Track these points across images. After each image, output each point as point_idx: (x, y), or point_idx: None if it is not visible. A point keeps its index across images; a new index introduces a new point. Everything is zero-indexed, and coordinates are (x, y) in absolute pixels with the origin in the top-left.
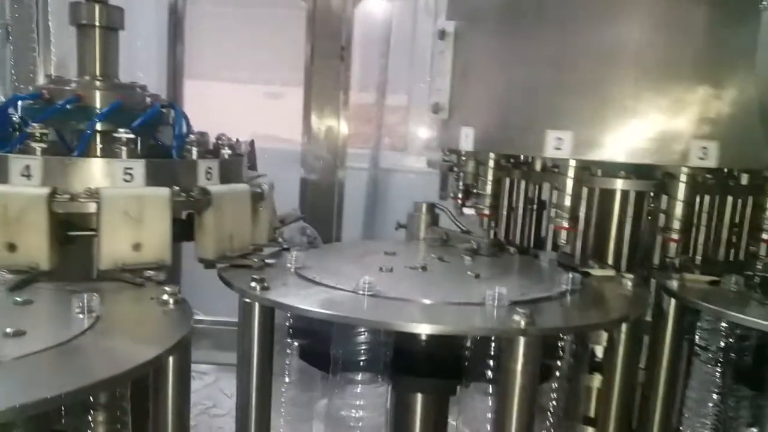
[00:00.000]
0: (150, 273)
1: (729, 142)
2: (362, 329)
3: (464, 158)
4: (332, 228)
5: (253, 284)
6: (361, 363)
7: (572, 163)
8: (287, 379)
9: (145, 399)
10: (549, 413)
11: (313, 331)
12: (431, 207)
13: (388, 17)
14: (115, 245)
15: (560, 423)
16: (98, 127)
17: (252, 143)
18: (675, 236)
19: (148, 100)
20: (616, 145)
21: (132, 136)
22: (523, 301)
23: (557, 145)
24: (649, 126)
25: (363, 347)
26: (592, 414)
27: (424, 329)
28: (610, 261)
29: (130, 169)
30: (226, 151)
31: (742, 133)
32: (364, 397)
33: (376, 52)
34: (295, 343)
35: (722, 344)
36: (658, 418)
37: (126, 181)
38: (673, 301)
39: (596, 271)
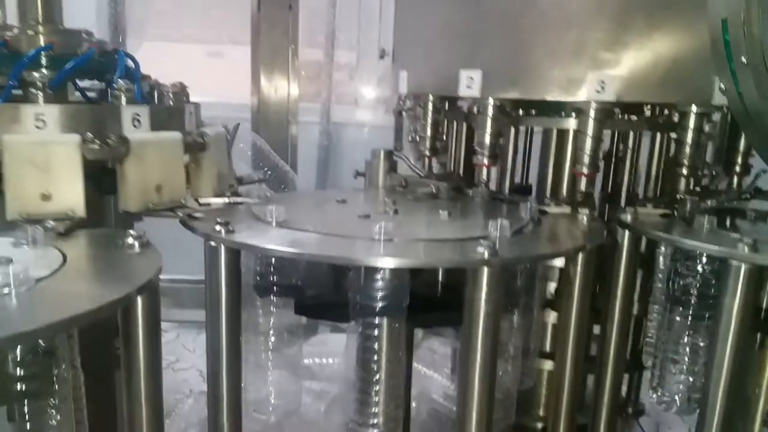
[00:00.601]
0: (53, 224)
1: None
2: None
3: (410, 102)
4: (287, 183)
5: (217, 227)
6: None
7: (490, 101)
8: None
9: (113, 352)
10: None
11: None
12: (389, 154)
13: None
14: (21, 195)
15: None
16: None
17: (236, 127)
18: (585, 171)
19: (86, 45)
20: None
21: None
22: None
23: (468, 83)
24: (556, 63)
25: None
26: (548, 349)
27: (388, 263)
28: (563, 198)
29: (42, 115)
30: (168, 97)
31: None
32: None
33: (324, 2)
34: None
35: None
36: (614, 348)
37: (38, 128)
38: (627, 233)
39: (552, 209)
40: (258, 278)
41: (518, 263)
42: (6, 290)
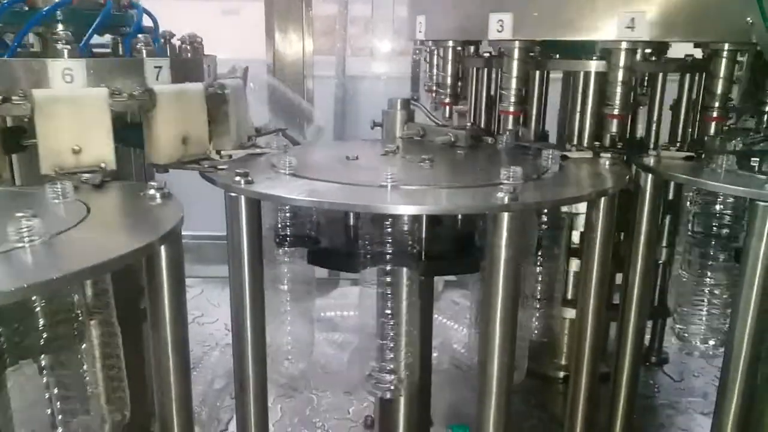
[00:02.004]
0: (87, 176)
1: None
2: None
3: (426, 50)
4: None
5: (237, 178)
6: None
7: (517, 44)
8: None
9: (139, 308)
10: (532, 297)
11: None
12: (406, 103)
13: None
14: (53, 150)
15: (541, 305)
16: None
17: (245, 70)
18: (615, 112)
19: None
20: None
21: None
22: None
23: (499, 27)
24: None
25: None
26: (570, 296)
27: (407, 210)
28: (585, 143)
29: (70, 69)
30: (186, 50)
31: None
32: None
33: None
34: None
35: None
36: (636, 295)
37: (67, 82)
38: (650, 177)
39: (573, 154)
40: (274, 230)
41: (539, 208)
42: (25, 242)
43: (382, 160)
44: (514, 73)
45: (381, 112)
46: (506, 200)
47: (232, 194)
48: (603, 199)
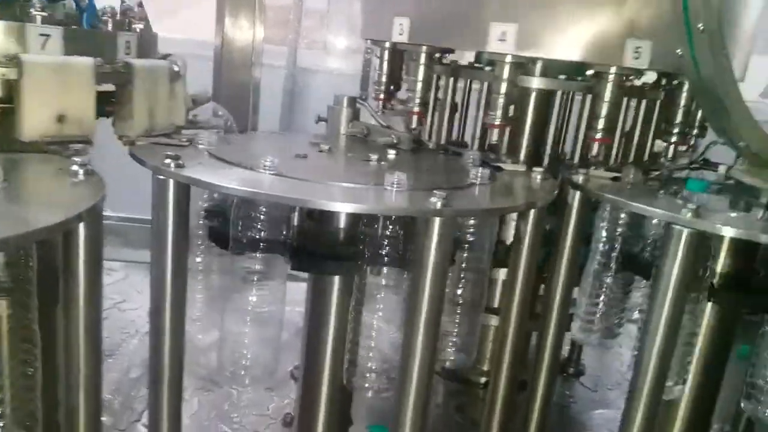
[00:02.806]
0: (77, 147)
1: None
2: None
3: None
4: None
5: (167, 161)
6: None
7: (509, 59)
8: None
9: (54, 285)
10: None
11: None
12: (352, 100)
13: None
14: (37, 116)
15: (465, 311)
16: None
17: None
18: (599, 136)
19: None
20: (558, 42)
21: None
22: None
23: (501, 38)
24: (591, 25)
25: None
26: (495, 305)
27: (343, 207)
28: (522, 158)
29: (47, 35)
30: (138, 26)
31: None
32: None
33: None
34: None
35: (617, 233)
36: (557, 307)
37: (42, 48)
38: (578, 194)
39: (508, 166)
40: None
41: (469, 215)
42: None
43: (318, 156)
44: (420, 76)
45: (327, 107)
46: (438, 205)
47: (161, 177)
48: (532, 210)
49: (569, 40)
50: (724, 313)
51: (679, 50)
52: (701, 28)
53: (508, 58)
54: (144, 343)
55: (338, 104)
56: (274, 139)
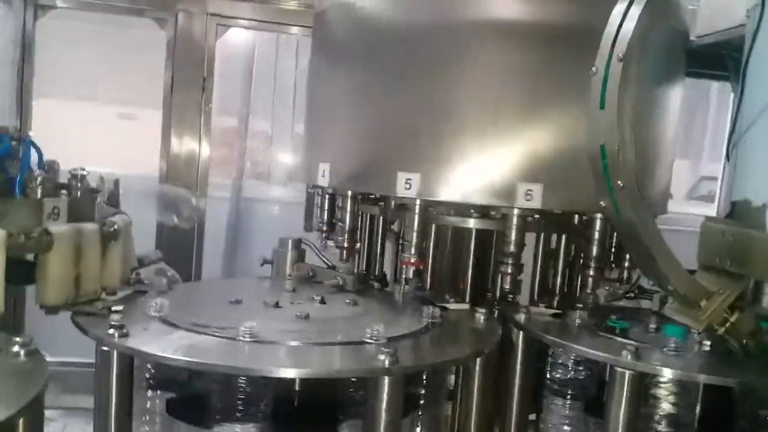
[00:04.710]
0: None
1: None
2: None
3: (325, 192)
4: (191, 263)
5: (111, 331)
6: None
7: (417, 201)
8: None
9: None
10: None
11: (179, 382)
12: (297, 243)
13: (251, 48)
14: None
15: None
16: None
17: (117, 182)
18: (510, 270)
19: None
20: (454, 187)
21: None
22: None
23: (407, 185)
24: (483, 170)
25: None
26: None
27: (288, 373)
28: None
29: None
30: (77, 187)
31: (567, 178)
32: None
33: (239, 82)
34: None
35: (568, 375)
36: None
37: None
38: (521, 333)
39: (453, 306)
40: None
41: (418, 371)
42: None
43: (263, 308)
44: (347, 216)
45: (272, 249)
46: (387, 363)
47: (104, 348)
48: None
49: (465, 186)
50: None
51: (602, 202)
52: (621, 184)
53: (417, 201)
54: None
55: (283, 247)
56: (218, 290)
